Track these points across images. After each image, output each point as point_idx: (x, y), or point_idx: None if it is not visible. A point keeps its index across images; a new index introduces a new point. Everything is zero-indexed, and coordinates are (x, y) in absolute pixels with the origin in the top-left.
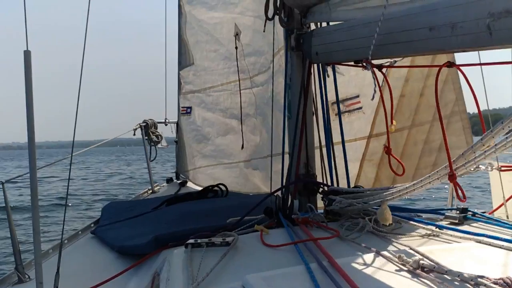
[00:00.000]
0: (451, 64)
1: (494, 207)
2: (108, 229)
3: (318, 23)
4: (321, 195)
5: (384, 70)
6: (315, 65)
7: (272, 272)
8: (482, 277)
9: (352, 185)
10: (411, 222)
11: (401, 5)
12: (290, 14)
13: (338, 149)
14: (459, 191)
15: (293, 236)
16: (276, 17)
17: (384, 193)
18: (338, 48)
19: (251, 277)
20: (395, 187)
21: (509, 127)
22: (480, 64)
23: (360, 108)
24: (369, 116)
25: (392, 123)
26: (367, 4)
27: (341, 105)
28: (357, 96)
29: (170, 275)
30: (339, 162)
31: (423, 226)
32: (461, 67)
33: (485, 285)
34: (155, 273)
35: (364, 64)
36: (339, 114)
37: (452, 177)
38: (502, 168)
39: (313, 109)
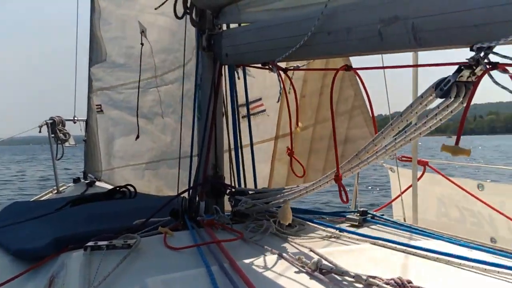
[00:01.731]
0: (348, 68)
1: (393, 206)
2: (5, 231)
3: (230, 24)
4: (228, 196)
5: (289, 73)
6: (226, 66)
7: (172, 275)
8: (375, 277)
9: (266, 185)
10: (314, 224)
11: (303, 8)
12: (202, 14)
13: (248, 152)
14: (343, 193)
15: (197, 238)
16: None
17: (285, 193)
18: (246, 50)
19: (151, 281)
20: (295, 188)
21: (398, 127)
22: (377, 67)
23: (264, 110)
24: (274, 118)
25: (297, 125)
26: (274, 6)
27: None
28: (260, 99)
29: (66, 279)
30: (250, 164)
31: (325, 228)
32: (359, 70)
33: (377, 285)
34: (52, 277)
35: (271, 66)
36: (248, 115)
37: (337, 178)
38: (402, 158)
39: (223, 111)
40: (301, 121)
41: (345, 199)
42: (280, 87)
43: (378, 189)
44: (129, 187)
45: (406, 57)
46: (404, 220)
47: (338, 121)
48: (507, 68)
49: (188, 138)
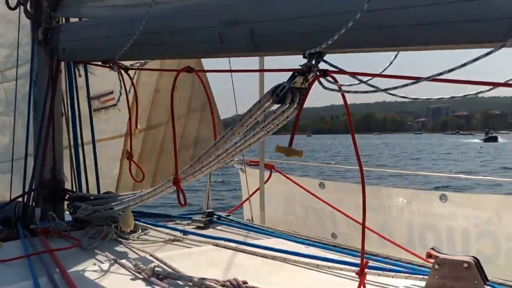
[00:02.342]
0: (190, 69)
1: (244, 207)
2: None
3: (70, 18)
4: (67, 202)
5: (132, 73)
6: (65, 62)
7: None
8: (212, 280)
9: (114, 184)
10: (158, 228)
11: (146, 6)
12: (37, 6)
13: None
14: (181, 196)
15: (28, 248)
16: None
17: (125, 200)
18: (85, 46)
19: None
20: (137, 193)
21: (239, 132)
22: (220, 71)
23: (115, 105)
24: (125, 113)
25: (136, 127)
26: (116, 2)
27: (97, 101)
28: (111, 93)
29: None
30: (97, 163)
31: (169, 231)
32: (202, 73)
33: None
34: None
35: (112, 65)
36: (90, 114)
37: (176, 181)
38: (250, 163)
39: (63, 109)
40: (153, 119)
41: (183, 203)
42: (121, 87)
43: (238, 189)
44: None
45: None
46: (252, 220)
47: (190, 119)
48: (336, 76)
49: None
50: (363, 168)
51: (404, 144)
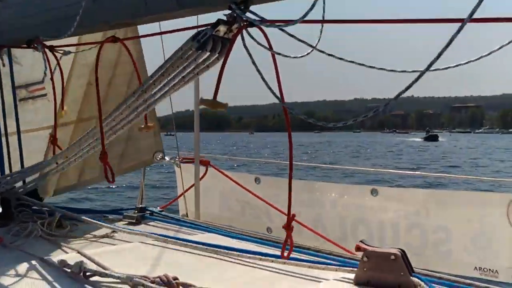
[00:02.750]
0: (115, 39)
1: (179, 202)
2: None
3: None
4: None
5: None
6: None
7: None
8: (141, 276)
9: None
10: (88, 224)
11: None
12: None
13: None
14: (108, 172)
15: None
16: None
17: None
18: (6, 29)
19: None
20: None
21: (160, 81)
22: (151, 34)
23: (45, 95)
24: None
25: (62, 108)
26: None
27: (24, 90)
28: (42, 82)
29: None
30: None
31: (99, 227)
32: (125, 41)
33: (143, 285)
34: None
35: (36, 45)
36: (15, 103)
37: (103, 157)
38: (184, 160)
39: None
40: (86, 112)
41: (111, 179)
42: (45, 67)
43: (175, 184)
44: None
45: None
46: (187, 216)
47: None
48: (264, 28)
49: None
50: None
51: (349, 142)
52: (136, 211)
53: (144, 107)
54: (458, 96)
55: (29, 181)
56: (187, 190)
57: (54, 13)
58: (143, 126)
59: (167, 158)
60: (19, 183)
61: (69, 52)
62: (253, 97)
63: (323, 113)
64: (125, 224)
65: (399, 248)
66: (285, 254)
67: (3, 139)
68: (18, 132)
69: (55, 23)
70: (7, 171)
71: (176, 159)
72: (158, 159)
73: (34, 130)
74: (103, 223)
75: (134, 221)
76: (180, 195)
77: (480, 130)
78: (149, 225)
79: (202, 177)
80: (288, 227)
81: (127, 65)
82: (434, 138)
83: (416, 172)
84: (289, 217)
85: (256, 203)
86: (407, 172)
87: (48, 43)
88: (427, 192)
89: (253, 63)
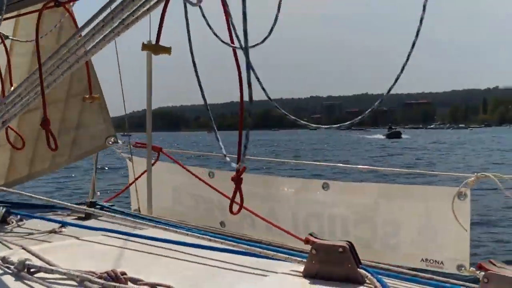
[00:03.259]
0: (59, 4)
1: (131, 196)
2: None
3: None
4: None
5: None
6: None
7: None
8: (87, 272)
9: None
10: (36, 219)
11: None
12: None
13: None
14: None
15: None
16: None
17: None
18: None
19: None
20: None
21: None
22: None
23: None
24: None
25: (12, 85)
26: None
27: None
28: None
29: None
30: None
31: (46, 223)
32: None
33: (90, 280)
34: None
35: None
36: None
37: (44, 124)
38: (136, 145)
39: None
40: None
41: (53, 146)
42: None
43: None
44: None
45: None
46: (139, 210)
47: (71, 103)
48: None
49: None
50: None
51: (308, 140)
52: (85, 206)
53: (82, 54)
54: (410, 93)
55: None
56: (138, 177)
57: None
58: (87, 96)
59: (120, 142)
60: None
61: (8, 37)
62: (210, 96)
63: (278, 111)
64: (74, 219)
65: (347, 241)
66: (235, 210)
67: None
68: None
69: None
70: None
71: (128, 146)
72: (110, 143)
73: None
74: (51, 219)
75: (83, 216)
76: (131, 184)
77: (431, 126)
78: (99, 220)
79: (154, 163)
80: (237, 179)
81: (70, 32)
82: (397, 135)
83: (370, 167)
84: (239, 172)
85: (209, 197)
86: (359, 166)
87: None
88: (377, 186)
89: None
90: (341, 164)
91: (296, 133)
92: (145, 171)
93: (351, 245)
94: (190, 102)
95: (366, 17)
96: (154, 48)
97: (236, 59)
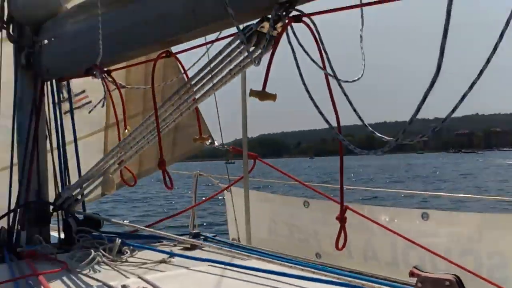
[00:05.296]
0: (168, 54)
1: (229, 228)
2: None
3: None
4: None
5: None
6: (49, 83)
7: None
8: None
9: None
10: (145, 250)
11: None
12: (20, 30)
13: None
14: (167, 179)
15: (15, 271)
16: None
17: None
18: (68, 60)
19: None
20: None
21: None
22: (197, 46)
23: (90, 102)
24: (101, 108)
25: (126, 128)
26: (92, 13)
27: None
28: (83, 91)
29: None
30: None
31: (156, 253)
32: (177, 55)
33: None
34: None
35: (94, 72)
36: (72, 114)
37: (161, 164)
38: (233, 150)
39: (46, 132)
40: (129, 110)
41: (169, 185)
42: (105, 91)
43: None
44: None
45: None
46: (238, 240)
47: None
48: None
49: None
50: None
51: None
52: (190, 237)
53: (191, 102)
54: None
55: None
56: (233, 183)
57: (107, 41)
58: (197, 137)
59: (216, 143)
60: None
61: (124, 86)
62: (309, 121)
63: (384, 134)
64: (181, 249)
65: (454, 274)
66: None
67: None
68: (75, 142)
69: (110, 50)
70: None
71: (226, 147)
72: (207, 143)
73: (83, 137)
74: (160, 250)
75: (189, 246)
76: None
77: None
78: (203, 250)
79: (251, 170)
80: (341, 219)
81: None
82: None
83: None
84: (342, 209)
85: (304, 227)
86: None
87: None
88: (480, 216)
89: (297, 66)
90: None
91: (405, 156)
92: (240, 177)
93: (458, 279)
94: (290, 129)
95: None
96: (261, 94)
97: (328, 86)
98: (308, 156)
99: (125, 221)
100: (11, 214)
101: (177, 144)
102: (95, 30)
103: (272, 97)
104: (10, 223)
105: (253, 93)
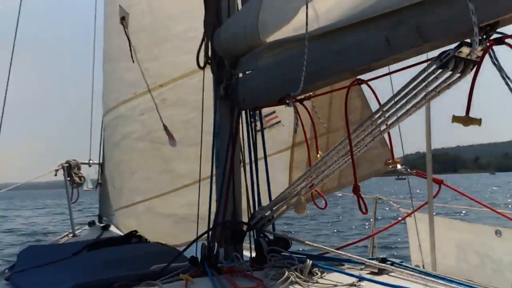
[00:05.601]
0: (361, 81)
1: (411, 253)
2: (24, 275)
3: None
4: (247, 226)
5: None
6: (243, 112)
7: None
8: None
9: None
10: (334, 272)
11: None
12: (220, 65)
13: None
14: (361, 203)
15: (217, 285)
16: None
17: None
18: (262, 91)
19: None
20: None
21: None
22: (387, 74)
23: (279, 122)
24: (289, 127)
25: (317, 153)
26: (288, 46)
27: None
28: (274, 112)
29: None
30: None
31: (345, 276)
32: (369, 82)
33: None
34: None
35: (287, 101)
36: (262, 134)
37: (355, 189)
38: (417, 173)
39: (241, 158)
40: (320, 129)
41: (364, 210)
42: (296, 118)
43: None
44: None
45: None
46: (423, 267)
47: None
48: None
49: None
50: None
51: None
52: (377, 261)
53: (385, 127)
54: None
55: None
56: (419, 208)
57: (299, 72)
58: (390, 161)
59: (399, 166)
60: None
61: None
62: (489, 134)
63: None
64: (368, 274)
65: None
66: None
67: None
68: (265, 161)
69: (304, 80)
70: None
71: (408, 170)
72: (391, 167)
73: (271, 155)
74: (349, 273)
75: (376, 271)
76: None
77: None
78: (390, 275)
79: (435, 195)
80: None
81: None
82: None
83: None
84: None
85: (498, 257)
86: None
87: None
88: None
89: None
90: None
91: None
92: (425, 203)
93: None
94: (466, 142)
95: None
96: (465, 119)
97: None
98: (488, 171)
99: (306, 241)
100: (210, 232)
101: (358, 166)
102: (287, 63)
103: (477, 121)
104: (210, 240)
105: (457, 119)
